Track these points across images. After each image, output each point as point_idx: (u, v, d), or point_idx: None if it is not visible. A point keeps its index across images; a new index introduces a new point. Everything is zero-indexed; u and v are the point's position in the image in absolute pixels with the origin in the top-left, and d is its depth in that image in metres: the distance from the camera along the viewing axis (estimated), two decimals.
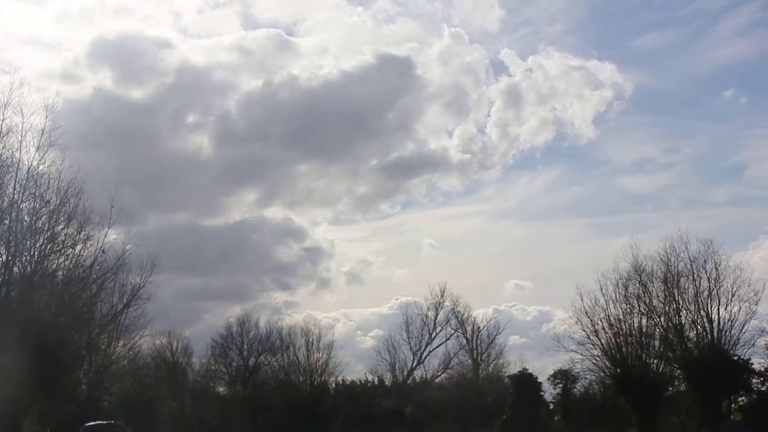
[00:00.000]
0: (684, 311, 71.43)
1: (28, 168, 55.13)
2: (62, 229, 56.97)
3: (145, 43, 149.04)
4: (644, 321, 73.85)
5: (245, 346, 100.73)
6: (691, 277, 71.08)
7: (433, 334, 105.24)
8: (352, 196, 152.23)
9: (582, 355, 76.79)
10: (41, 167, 55.82)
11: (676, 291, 71.40)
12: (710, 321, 69.94)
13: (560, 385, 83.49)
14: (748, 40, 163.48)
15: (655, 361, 74.66)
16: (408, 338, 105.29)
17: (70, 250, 57.92)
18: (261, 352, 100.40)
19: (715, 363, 66.84)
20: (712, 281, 70.04)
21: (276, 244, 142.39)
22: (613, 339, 74.56)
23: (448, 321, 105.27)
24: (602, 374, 78.46)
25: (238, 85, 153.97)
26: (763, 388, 69.28)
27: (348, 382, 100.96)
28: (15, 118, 54.65)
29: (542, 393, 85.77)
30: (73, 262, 58.71)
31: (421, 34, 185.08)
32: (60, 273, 58.63)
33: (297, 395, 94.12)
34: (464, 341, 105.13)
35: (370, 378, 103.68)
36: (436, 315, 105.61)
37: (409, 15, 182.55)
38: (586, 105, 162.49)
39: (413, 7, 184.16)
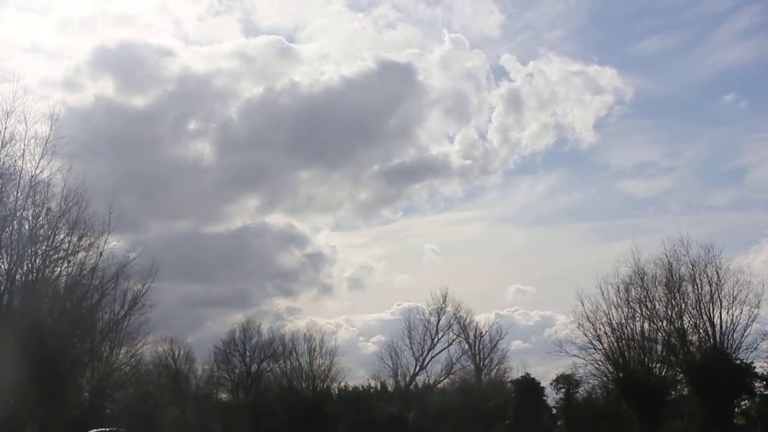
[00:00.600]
0: (686, 315, 71.41)
1: (31, 176, 55.18)
2: (64, 237, 57.05)
3: (146, 51, 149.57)
4: (646, 325, 73.83)
5: (248, 353, 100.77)
6: (692, 281, 71.03)
7: (436, 340, 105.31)
8: (354, 202, 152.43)
9: (584, 359, 76.81)
10: (43, 175, 55.88)
11: (678, 295, 71.36)
12: (712, 325, 69.87)
13: (563, 390, 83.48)
14: (749, 44, 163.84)
15: (657, 365, 74.61)
16: (410, 344, 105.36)
17: (72, 257, 58.00)
18: (263, 359, 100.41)
19: (717, 367, 66.78)
20: (714, 285, 70.00)
21: (278, 251, 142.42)
22: (615, 343, 74.51)
23: (450, 326, 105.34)
24: (605, 378, 78.42)
25: (240, 92, 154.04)
26: (766, 392, 69.18)
27: (350, 388, 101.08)
28: (18, 126, 54.75)
29: (545, 398, 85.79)
30: (75, 269, 58.79)
31: (421, 40, 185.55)
32: (62, 280, 58.70)
33: (299, 401, 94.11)
34: (466, 346, 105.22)
35: (372, 384, 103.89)
36: (438, 320, 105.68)
37: (409, 21, 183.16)
38: (587, 110, 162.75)
39: (414, 13, 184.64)
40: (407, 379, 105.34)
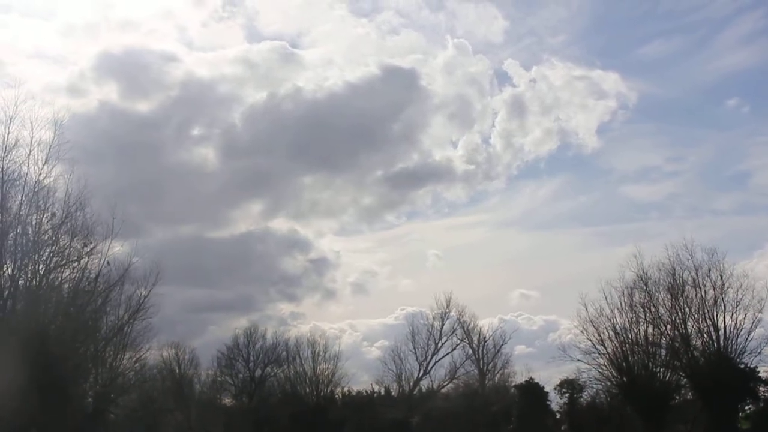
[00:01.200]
0: (690, 319, 71.32)
1: (35, 182, 55.20)
2: (68, 242, 57.02)
3: (150, 57, 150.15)
4: (650, 330, 73.82)
5: (251, 358, 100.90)
6: (696, 286, 70.95)
7: (439, 344, 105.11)
8: (358, 207, 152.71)
9: (588, 364, 76.81)
10: (47, 181, 55.90)
11: (682, 299, 71.31)
12: (716, 329, 69.78)
13: (567, 395, 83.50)
14: (752, 49, 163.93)
15: (661, 369, 74.56)
16: (414, 348, 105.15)
17: (76, 263, 57.98)
18: (267, 364, 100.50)
19: (721, 371, 66.70)
20: (717, 289, 69.92)
21: (281, 256, 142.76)
22: (619, 348, 74.49)
23: (453, 331, 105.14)
24: (608, 383, 78.41)
25: (243, 98, 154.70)
26: None
27: (354, 393, 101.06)
28: (22, 132, 54.77)
29: (549, 402, 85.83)
30: (79, 275, 58.77)
31: (425, 46, 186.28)
32: (66, 286, 58.67)
33: (303, 406, 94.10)
34: (470, 351, 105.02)
35: (376, 389, 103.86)
36: (442, 325, 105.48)
37: (413, 26, 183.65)
38: (590, 115, 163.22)
39: (417, 19, 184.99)
40: (411, 383, 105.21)
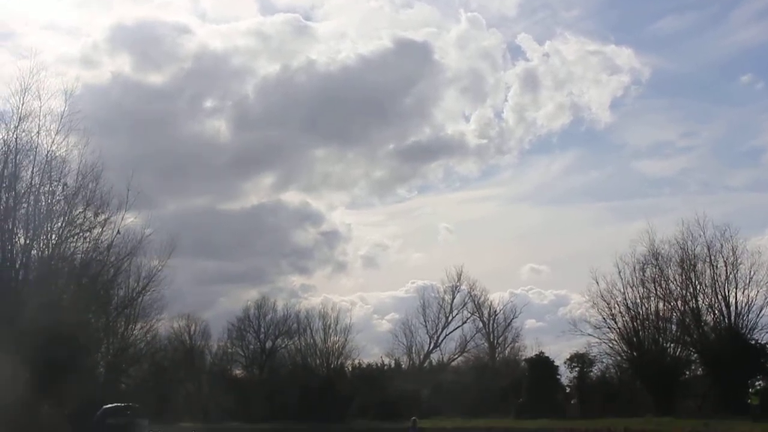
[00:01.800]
0: (701, 295, 71.20)
1: (47, 152, 55.26)
2: (80, 212, 57.17)
3: (163, 29, 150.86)
4: (661, 305, 73.77)
5: (262, 330, 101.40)
6: (708, 261, 70.80)
7: (450, 318, 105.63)
8: (369, 180, 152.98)
9: (598, 338, 76.83)
10: (60, 151, 55.96)
11: (693, 275, 71.15)
12: (727, 305, 69.65)
13: (576, 369, 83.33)
14: (766, 24, 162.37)
15: (671, 345, 74.54)
16: (424, 321, 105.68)
17: (88, 233, 58.16)
18: (278, 336, 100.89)
19: (732, 347, 66.61)
20: (729, 265, 69.74)
21: (293, 228, 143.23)
22: (629, 323, 74.50)
23: (464, 304, 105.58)
24: (618, 358, 78.46)
25: (256, 70, 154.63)
26: None
27: (364, 366, 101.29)
28: (34, 103, 54.80)
29: (558, 376, 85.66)
30: (91, 245, 58.97)
31: (438, 19, 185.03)
32: (78, 256, 58.88)
33: (313, 378, 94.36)
34: (480, 325, 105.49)
35: (386, 361, 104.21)
36: (453, 298, 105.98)
37: (426, 0, 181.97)
38: (603, 90, 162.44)
39: None
40: (421, 356, 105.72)
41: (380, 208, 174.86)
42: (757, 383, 70.90)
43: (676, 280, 72.53)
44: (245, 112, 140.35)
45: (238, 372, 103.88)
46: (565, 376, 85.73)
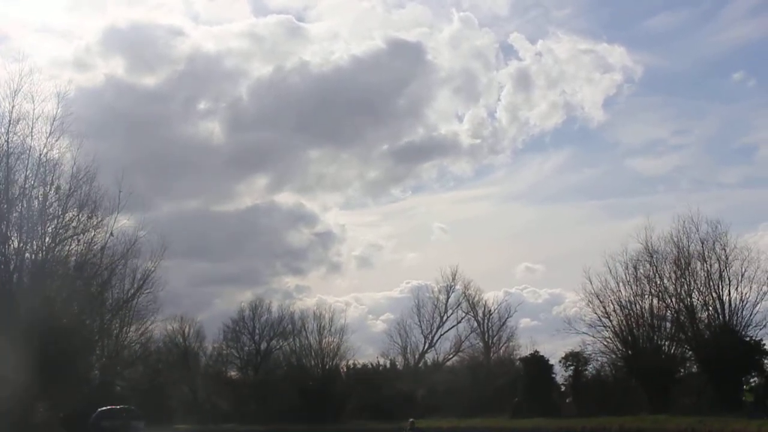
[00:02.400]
0: (695, 292, 71.14)
1: (39, 155, 55.23)
2: (74, 215, 57.16)
3: (157, 31, 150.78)
4: (655, 303, 73.69)
5: (257, 331, 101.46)
6: (701, 259, 70.83)
7: (444, 318, 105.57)
8: (363, 180, 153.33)
9: (593, 337, 76.67)
10: (53, 154, 55.93)
11: (688, 272, 71.17)
12: (722, 302, 69.54)
13: (572, 368, 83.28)
14: (758, 21, 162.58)
15: (666, 342, 74.52)
16: (419, 321, 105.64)
17: (82, 236, 58.14)
18: (273, 337, 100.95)
19: (726, 344, 66.58)
20: (722, 262, 69.75)
21: (287, 229, 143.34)
22: (624, 321, 74.40)
23: (459, 304, 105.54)
24: (613, 356, 78.34)
25: (249, 72, 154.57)
26: None
27: (359, 366, 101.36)
28: (26, 105, 54.79)
29: (554, 375, 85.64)
30: (85, 248, 58.96)
31: (430, 19, 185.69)
32: (72, 259, 58.88)
33: (308, 379, 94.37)
34: (475, 324, 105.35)
35: (381, 362, 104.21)
36: (447, 298, 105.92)
37: (418, 0, 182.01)
38: (596, 88, 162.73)
39: None
40: (416, 356, 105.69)
41: (374, 209, 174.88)
42: (752, 380, 71.02)
43: (670, 277, 72.58)
44: (239, 114, 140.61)
45: (233, 373, 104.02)
46: (560, 374, 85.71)
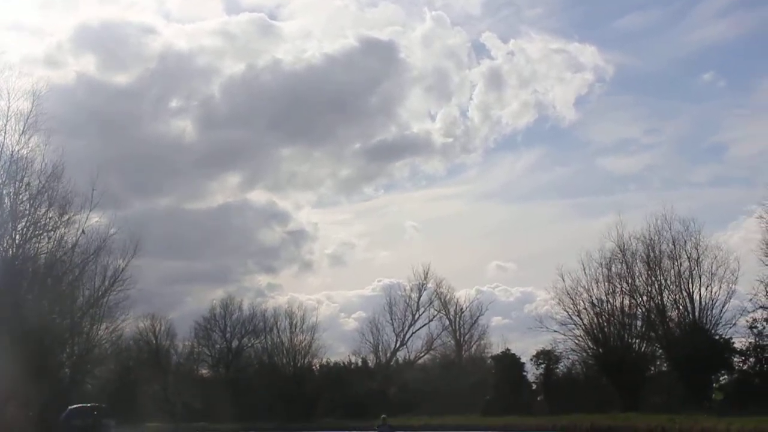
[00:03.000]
0: (666, 291, 71.68)
1: (12, 152, 54.89)
2: (44, 212, 56.84)
3: (128, 29, 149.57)
4: (626, 301, 74.13)
5: (228, 329, 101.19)
6: (672, 257, 71.33)
7: (416, 316, 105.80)
8: (336, 179, 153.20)
9: (564, 335, 77.05)
10: (24, 151, 55.62)
11: (659, 271, 71.67)
12: (692, 301, 70.13)
13: (543, 366, 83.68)
14: (729, 21, 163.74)
15: (637, 341, 75.02)
16: (391, 319, 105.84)
17: (52, 233, 57.81)
18: (244, 335, 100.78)
19: (696, 342, 67.10)
20: (693, 261, 70.31)
21: (259, 227, 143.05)
22: (595, 319, 74.83)
23: (431, 302, 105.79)
24: (584, 354, 78.79)
25: (222, 70, 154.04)
26: (744, 367, 69.60)
27: (331, 364, 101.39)
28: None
29: (525, 373, 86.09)
30: (55, 245, 58.61)
31: (403, 18, 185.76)
32: (42, 256, 58.53)
33: (280, 377, 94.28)
34: (447, 322, 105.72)
35: (353, 359, 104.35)
36: (419, 296, 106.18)
37: None
38: (568, 87, 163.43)
39: None
40: (388, 354, 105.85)
41: (347, 207, 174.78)
42: (721, 378, 71.60)
43: (641, 275, 73.06)
44: (211, 112, 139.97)
45: (204, 371, 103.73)
46: (532, 372, 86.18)
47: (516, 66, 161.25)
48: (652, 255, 72.12)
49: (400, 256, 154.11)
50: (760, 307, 65.17)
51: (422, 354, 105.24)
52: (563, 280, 75.14)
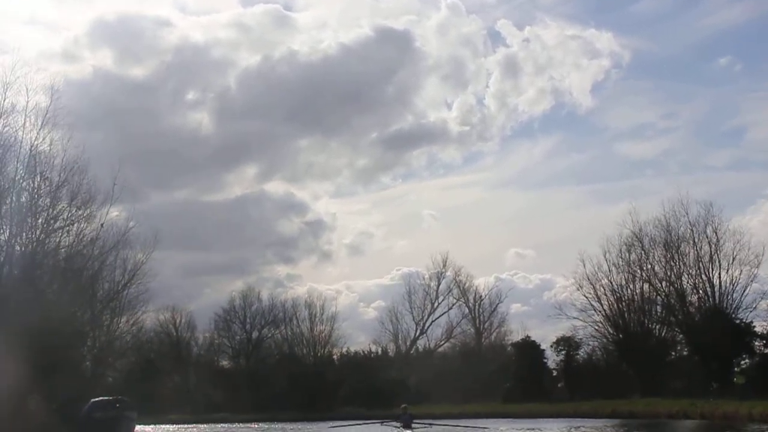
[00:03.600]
0: (685, 276, 71.58)
1: (31, 147, 55.09)
2: (64, 207, 56.99)
3: (144, 22, 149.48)
4: (646, 287, 74.08)
5: (248, 320, 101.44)
6: (691, 242, 71.12)
7: (436, 304, 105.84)
8: (353, 169, 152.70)
9: (584, 321, 77.21)
10: (43, 146, 55.80)
11: (677, 256, 71.48)
12: (711, 285, 69.98)
13: (563, 352, 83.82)
14: (745, 5, 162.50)
15: (657, 326, 75.01)
16: (410, 308, 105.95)
17: (72, 227, 58.03)
18: (264, 325, 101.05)
19: (717, 327, 66.91)
20: (713, 245, 70.06)
21: (277, 218, 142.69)
22: (615, 305, 74.85)
23: (450, 290, 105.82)
24: (604, 340, 78.88)
25: (237, 62, 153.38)
26: (766, 351, 69.38)
27: (351, 354, 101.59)
28: (17, 98, 54.56)
29: (545, 360, 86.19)
30: (75, 239, 58.85)
31: (418, 7, 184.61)
32: (62, 250, 58.73)
33: (300, 367, 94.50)
34: (466, 310, 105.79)
35: (373, 349, 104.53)
36: (438, 285, 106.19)
37: None
38: (584, 74, 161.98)
39: None
40: (408, 343, 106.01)
41: (364, 197, 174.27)
42: (742, 362, 71.40)
43: (660, 261, 72.90)
44: (227, 104, 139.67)
45: (224, 363, 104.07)
46: (552, 359, 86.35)
47: (532, 53, 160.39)
48: (670, 240, 71.95)
49: (419, 245, 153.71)
50: None
51: (442, 342, 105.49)
52: (584, 265, 75.18)
